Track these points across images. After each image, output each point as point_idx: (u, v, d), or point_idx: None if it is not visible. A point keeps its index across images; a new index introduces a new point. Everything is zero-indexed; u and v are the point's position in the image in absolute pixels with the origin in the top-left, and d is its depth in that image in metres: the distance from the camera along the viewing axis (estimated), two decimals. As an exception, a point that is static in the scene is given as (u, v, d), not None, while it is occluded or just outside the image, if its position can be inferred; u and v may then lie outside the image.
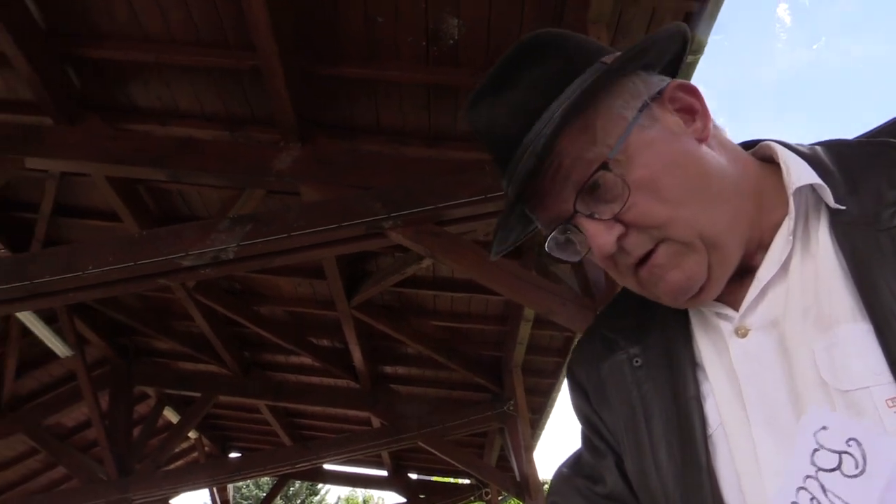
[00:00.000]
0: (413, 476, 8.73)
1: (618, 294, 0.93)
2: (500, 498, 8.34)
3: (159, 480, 5.98)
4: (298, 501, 23.61)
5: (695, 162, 0.75)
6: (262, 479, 22.86)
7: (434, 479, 9.09)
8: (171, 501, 8.43)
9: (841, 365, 0.68)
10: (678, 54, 0.85)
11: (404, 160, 3.49)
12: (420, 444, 6.11)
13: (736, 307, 0.78)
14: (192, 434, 7.96)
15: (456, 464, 6.35)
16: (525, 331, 4.88)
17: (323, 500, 24.89)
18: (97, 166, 3.49)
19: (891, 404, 0.65)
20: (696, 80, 2.97)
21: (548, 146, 0.73)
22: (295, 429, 8.01)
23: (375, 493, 23.87)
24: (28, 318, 5.19)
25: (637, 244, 0.75)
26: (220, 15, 3.06)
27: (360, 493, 26.79)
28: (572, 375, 0.94)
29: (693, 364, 0.79)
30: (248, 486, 22.77)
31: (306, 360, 6.17)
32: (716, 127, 0.81)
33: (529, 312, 4.65)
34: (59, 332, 5.59)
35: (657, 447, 0.79)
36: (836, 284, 0.70)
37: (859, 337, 0.67)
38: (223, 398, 6.88)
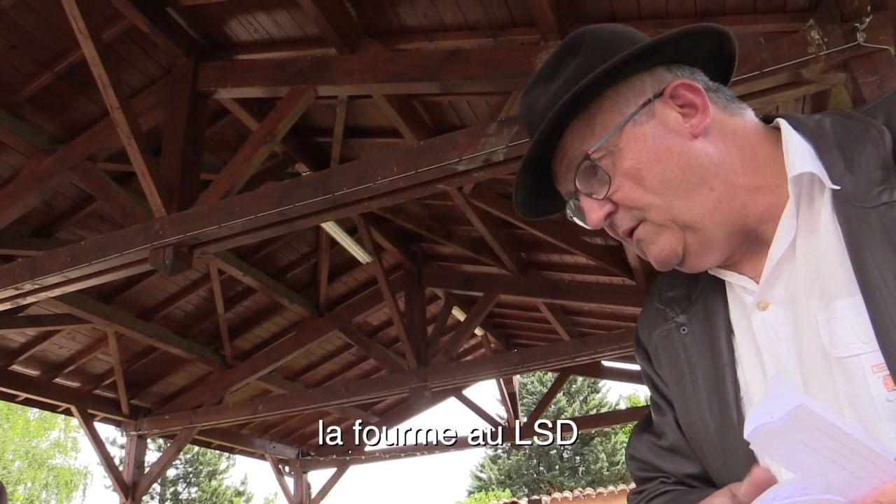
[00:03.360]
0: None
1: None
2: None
3: (452, 371, 6.61)
4: (581, 398, 24.50)
5: (677, 157, 0.86)
6: (546, 377, 24.05)
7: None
8: (464, 391, 9.30)
9: (837, 335, 0.75)
10: (725, 52, 0.93)
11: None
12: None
13: (757, 279, 0.86)
14: (478, 331, 8.61)
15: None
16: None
17: (605, 397, 25.57)
18: (378, 87, 3.81)
19: (876, 370, 0.72)
20: None
21: (545, 133, 0.89)
22: (573, 326, 8.27)
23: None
24: (333, 230, 5.92)
25: (622, 220, 0.90)
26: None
27: (642, 392, 27.07)
28: (637, 340, 1.04)
29: (728, 332, 0.89)
30: (532, 382, 24.09)
31: (581, 258, 6.30)
32: (731, 114, 0.90)
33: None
34: (359, 242, 6.31)
35: (701, 405, 0.88)
36: (836, 260, 0.77)
37: (852, 309, 0.74)
38: (504, 297, 7.32)
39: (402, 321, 6.79)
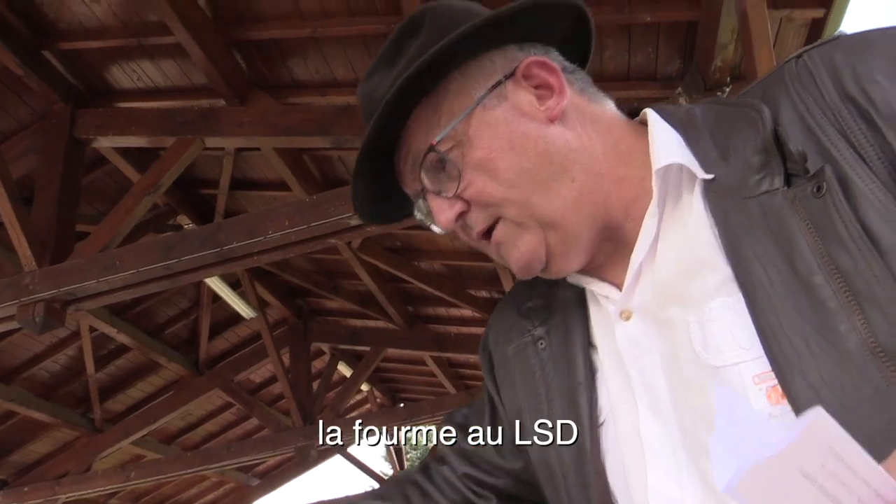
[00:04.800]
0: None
1: None
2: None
3: (339, 427, 6.47)
4: (465, 451, 24.44)
5: (534, 144, 0.75)
6: (429, 431, 23.94)
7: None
8: (349, 449, 9.11)
9: (713, 340, 0.65)
10: (582, 32, 0.84)
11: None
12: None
13: (620, 285, 0.77)
14: (364, 387, 8.50)
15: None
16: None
17: (488, 449, 25.62)
18: (268, 140, 3.79)
19: (757, 381, 0.62)
20: None
21: (383, 120, 0.75)
22: (459, 379, 8.33)
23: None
24: (216, 284, 5.74)
25: (476, 220, 0.77)
26: (367, -17, 3.21)
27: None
28: (485, 345, 0.94)
29: (586, 347, 0.79)
30: (415, 436, 23.81)
31: (466, 311, 6.40)
32: (590, 99, 0.80)
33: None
34: (243, 296, 6.14)
35: (556, 429, 0.79)
36: (710, 256, 0.67)
37: (730, 309, 0.64)
38: (391, 352, 7.29)
39: (286, 378, 6.61)
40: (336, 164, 4.68)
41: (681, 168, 0.72)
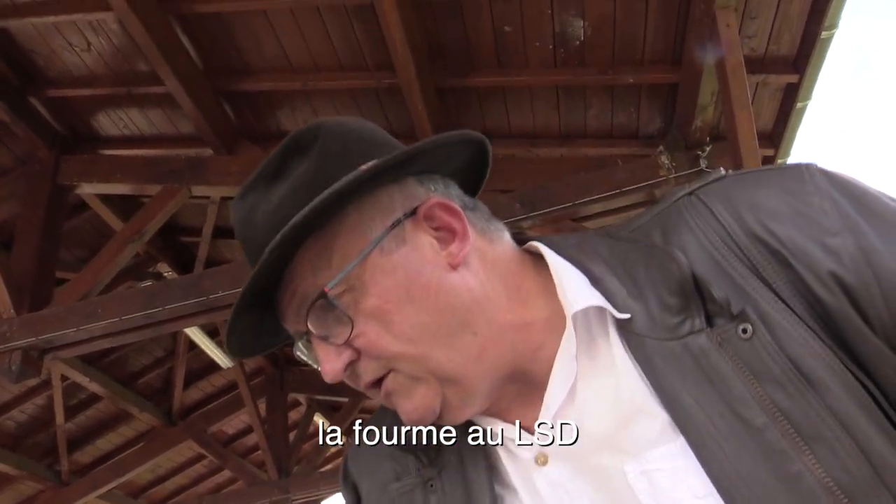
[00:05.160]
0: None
1: None
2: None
3: (317, 481, 6.35)
4: None
5: (435, 295, 0.69)
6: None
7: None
8: (323, 502, 8.90)
9: (664, 491, 0.62)
10: (479, 161, 0.79)
11: (537, 161, 3.61)
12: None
13: (531, 428, 0.71)
14: (340, 439, 8.37)
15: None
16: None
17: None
18: (254, 189, 3.80)
19: None
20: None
21: (270, 268, 0.68)
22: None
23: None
24: (195, 333, 5.67)
25: (367, 370, 0.70)
26: (359, 41, 3.29)
27: None
28: (347, 475, 0.86)
29: (492, 491, 0.72)
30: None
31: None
32: (490, 240, 0.75)
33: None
34: (220, 346, 6.06)
35: None
36: (643, 402, 0.64)
37: (677, 458, 0.62)
38: (368, 402, 7.21)
39: (263, 429, 6.50)
40: (320, 213, 4.70)
41: (594, 309, 0.69)
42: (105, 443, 6.78)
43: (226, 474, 8.24)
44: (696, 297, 0.63)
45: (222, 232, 5.00)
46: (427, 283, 0.69)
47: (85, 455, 6.71)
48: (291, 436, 7.02)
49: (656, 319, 0.65)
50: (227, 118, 3.81)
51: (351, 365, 0.70)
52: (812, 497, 0.56)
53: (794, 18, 2.84)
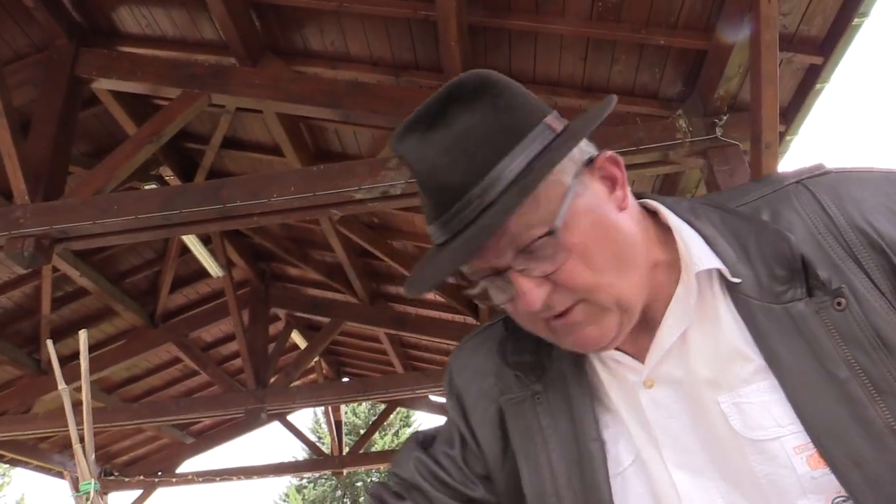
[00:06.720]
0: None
1: (514, 325, 0.91)
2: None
3: (292, 395, 6.55)
4: (392, 431, 24.69)
5: (617, 232, 0.80)
6: (360, 408, 24.03)
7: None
8: (288, 417, 9.16)
9: (752, 418, 0.76)
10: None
11: (557, 109, 3.67)
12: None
13: (637, 356, 0.85)
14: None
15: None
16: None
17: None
18: (276, 104, 3.84)
19: (798, 451, 0.74)
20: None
21: (501, 219, 0.74)
22: (409, 359, 8.48)
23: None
24: (190, 239, 5.73)
25: (561, 301, 0.79)
26: (402, -32, 3.29)
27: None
28: (452, 385, 0.99)
29: (594, 407, 0.86)
30: (346, 413, 23.91)
31: (429, 294, 6.53)
32: (629, 191, 0.85)
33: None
34: (213, 254, 6.13)
35: (557, 479, 0.86)
36: (741, 348, 0.78)
37: (766, 394, 0.76)
38: (347, 327, 7.38)
39: (245, 337, 6.64)
40: (331, 135, 4.74)
41: (710, 269, 0.82)
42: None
43: (198, 380, 8.42)
44: (801, 272, 0.77)
45: (231, 143, 5.02)
46: (610, 223, 0.81)
47: (65, 347, 6.77)
48: (270, 349, 7.18)
49: (763, 285, 0.78)
50: (253, 28, 3.80)
51: (548, 296, 0.79)
52: (880, 437, 0.71)
53: (829, 1, 2.92)
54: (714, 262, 0.80)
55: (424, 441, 1.03)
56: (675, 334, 0.82)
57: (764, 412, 0.76)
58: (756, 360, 0.77)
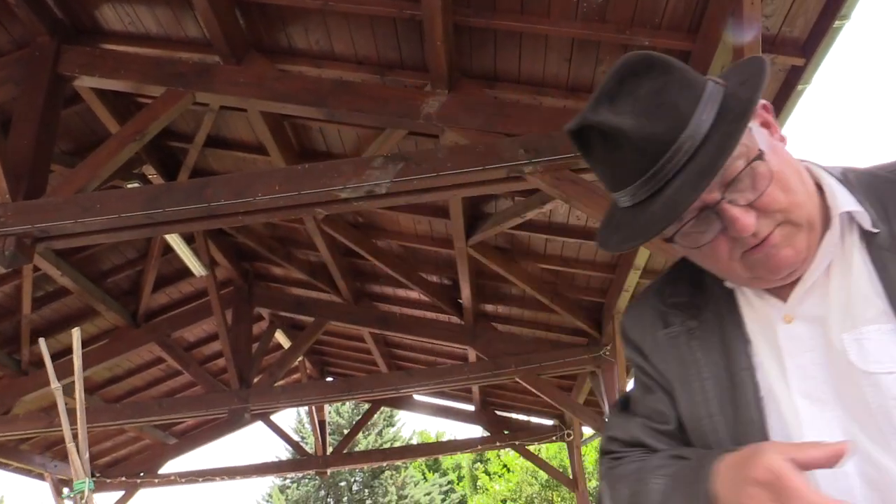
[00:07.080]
0: (498, 413, 9.09)
1: (670, 273, 1.12)
2: (581, 440, 8.70)
3: (277, 394, 6.52)
4: (376, 430, 24.64)
5: (792, 161, 0.95)
6: (343, 407, 23.95)
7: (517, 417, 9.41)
8: (272, 417, 9.11)
9: (870, 353, 0.87)
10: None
11: (541, 109, 3.70)
12: (514, 380, 6.45)
13: (780, 296, 0.97)
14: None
15: (550, 401, 6.67)
16: (633, 279, 5.06)
17: (399, 431, 25.90)
18: (260, 103, 3.82)
19: None
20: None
21: (721, 164, 0.86)
22: (393, 359, 8.47)
23: (457, 428, 24.43)
24: (173, 238, 5.69)
25: (764, 226, 0.90)
26: (387, -33, 3.29)
27: (433, 430, 27.77)
28: (627, 336, 1.13)
29: (744, 341, 0.97)
30: (329, 412, 23.84)
31: (414, 293, 6.53)
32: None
33: (640, 261, 4.83)
34: (195, 253, 6.10)
35: (710, 403, 0.97)
36: (868, 292, 0.89)
37: (886, 335, 0.87)
38: (331, 327, 7.35)
39: (228, 337, 6.61)
40: (315, 134, 4.73)
41: (846, 217, 0.94)
42: (67, 337, 6.78)
43: (180, 380, 8.37)
44: None
45: (215, 142, 5.00)
46: (785, 153, 0.95)
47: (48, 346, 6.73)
48: (253, 348, 7.15)
49: None
50: (238, 26, 3.79)
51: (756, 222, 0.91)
52: None
53: (811, 4, 2.95)
54: (854, 206, 0.93)
55: (625, 403, 1.14)
56: (822, 268, 0.94)
57: (882, 349, 0.86)
58: (881, 304, 0.88)
